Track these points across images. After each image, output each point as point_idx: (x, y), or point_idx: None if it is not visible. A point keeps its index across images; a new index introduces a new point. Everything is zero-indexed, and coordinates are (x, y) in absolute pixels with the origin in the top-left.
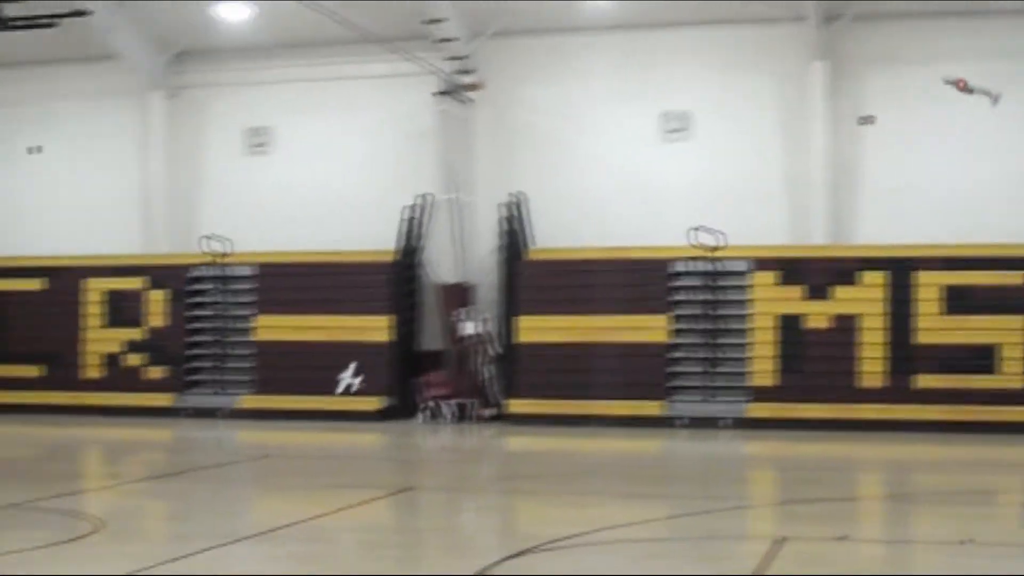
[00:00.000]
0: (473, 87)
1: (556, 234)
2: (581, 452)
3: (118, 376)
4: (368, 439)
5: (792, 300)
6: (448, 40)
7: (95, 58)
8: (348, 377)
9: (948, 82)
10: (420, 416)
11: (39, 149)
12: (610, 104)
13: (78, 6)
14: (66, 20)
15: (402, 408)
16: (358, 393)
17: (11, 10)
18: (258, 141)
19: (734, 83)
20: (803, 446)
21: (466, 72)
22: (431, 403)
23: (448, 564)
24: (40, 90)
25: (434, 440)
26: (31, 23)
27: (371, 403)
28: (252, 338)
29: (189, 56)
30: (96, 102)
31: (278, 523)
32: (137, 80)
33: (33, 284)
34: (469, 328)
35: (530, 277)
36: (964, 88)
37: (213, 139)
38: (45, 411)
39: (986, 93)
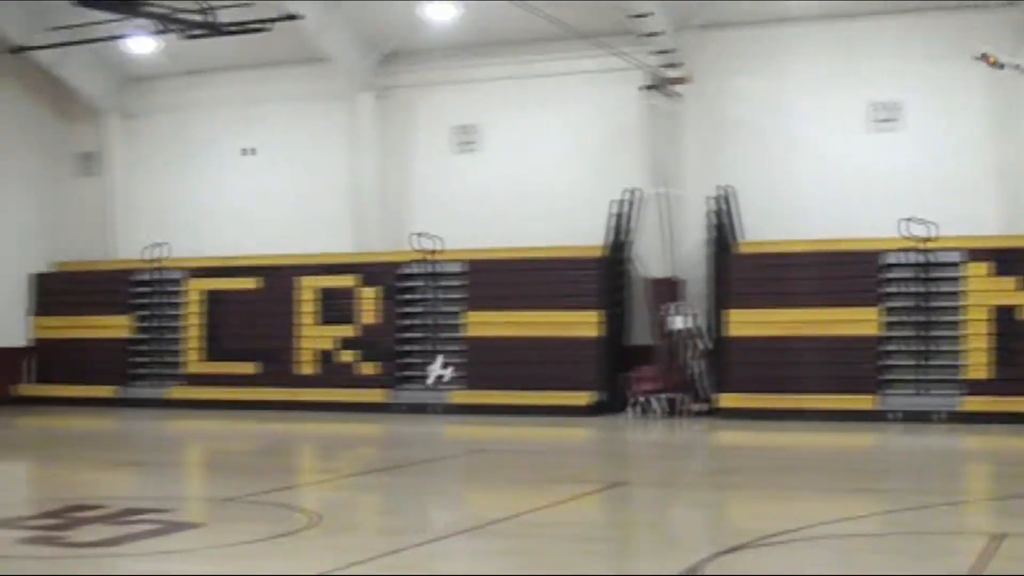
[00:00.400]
0: (680, 81)
1: (764, 227)
2: (792, 447)
3: (331, 372)
4: (578, 434)
5: (1006, 291)
6: (654, 34)
7: (306, 61)
8: (437, 368)
9: (977, 58)
10: (630, 411)
11: (253, 151)
12: (817, 94)
13: (290, 10)
14: (278, 24)
15: (612, 403)
16: (568, 388)
17: (225, 16)
18: (466, 139)
19: (943, 70)
20: (1020, 441)
21: (672, 66)
22: (641, 398)
23: (659, 559)
24: (253, 93)
25: (644, 435)
26: (244, 28)
27: (581, 398)
28: (462, 334)
29: (397, 56)
30: (307, 104)
31: (490, 518)
32: (347, 81)
33: (248, 283)
34: (678, 323)
35: (739, 270)
36: (994, 64)
37: (422, 138)
38: (260, 407)
39: (1016, 67)
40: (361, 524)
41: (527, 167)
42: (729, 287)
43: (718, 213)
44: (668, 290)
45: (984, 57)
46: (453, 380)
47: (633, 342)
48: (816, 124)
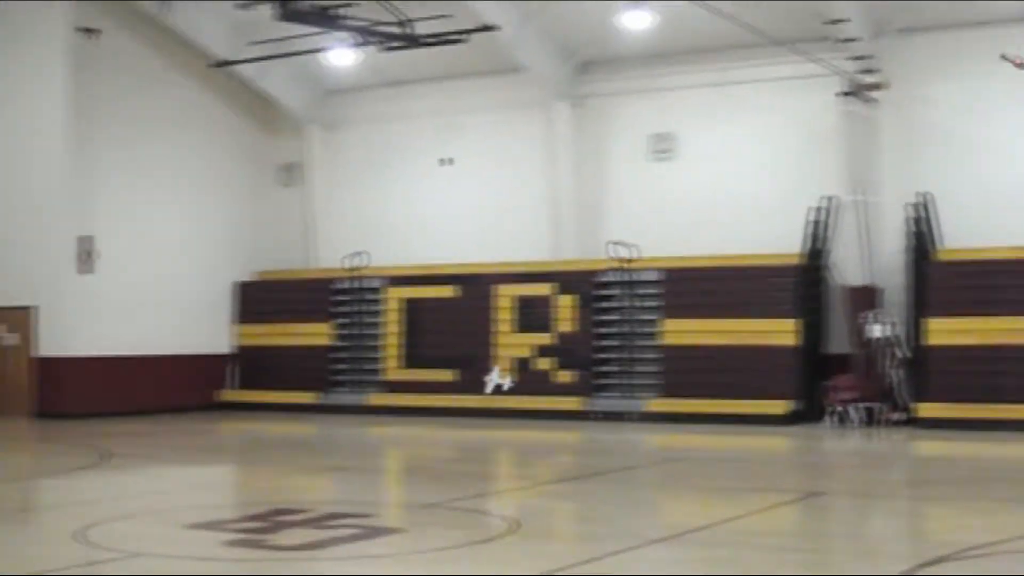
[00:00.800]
0: (877, 86)
1: (964, 233)
2: (994, 458)
3: (528, 380)
4: (775, 443)
5: None
6: (851, 40)
7: (502, 71)
8: (495, 378)
9: (1006, 58)
10: (827, 420)
11: (450, 160)
12: (1017, 98)
13: (487, 21)
14: (474, 35)
15: (809, 412)
16: (764, 396)
17: (423, 28)
18: (662, 147)
19: None
20: None
21: (870, 72)
22: (838, 407)
23: (857, 570)
24: (450, 104)
25: (841, 445)
26: (442, 40)
27: (777, 407)
28: (659, 342)
29: (593, 65)
30: (504, 113)
31: (687, 526)
32: (543, 91)
33: (446, 291)
34: (876, 331)
35: (939, 278)
36: (1021, 65)
37: (618, 146)
38: (457, 414)
39: None
40: (559, 531)
41: (723, 174)
42: (928, 295)
43: (916, 220)
44: (866, 298)
45: (1014, 59)
46: (648, 387)
47: (830, 351)
48: (1018, 128)
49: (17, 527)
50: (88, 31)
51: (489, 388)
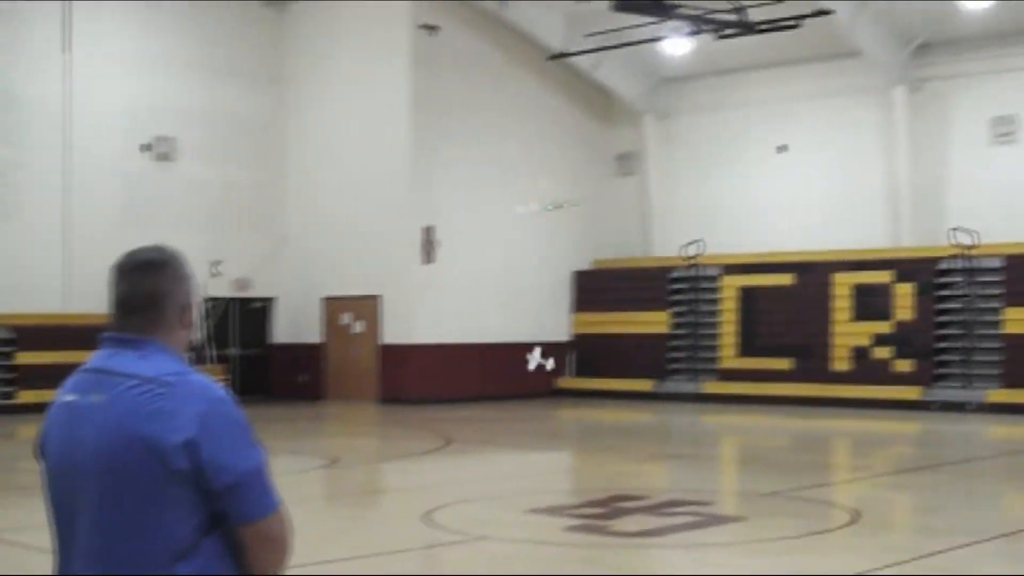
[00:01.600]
0: None
1: None
2: None
3: (866, 369)
4: None
5: None
6: None
7: (837, 56)
8: (537, 357)
9: None
10: None
11: (786, 147)
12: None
13: (822, 6)
14: (809, 20)
15: None
16: None
17: (756, 15)
18: (1004, 130)
19: None
20: None
21: None
22: None
23: None
24: (785, 90)
25: None
26: (776, 26)
27: None
28: (1001, 331)
29: (931, 48)
30: (839, 99)
31: None
32: (879, 75)
33: (783, 279)
34: None
35: None
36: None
37: (957, 130)
38: (794, 403)
39: None
40: (899, 523)
41: None
42: None
43: None
44: None
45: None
46: (990, 378)
47: None
48: None
49: (367, 509)
50: (428, 27)
51: (532, 365)
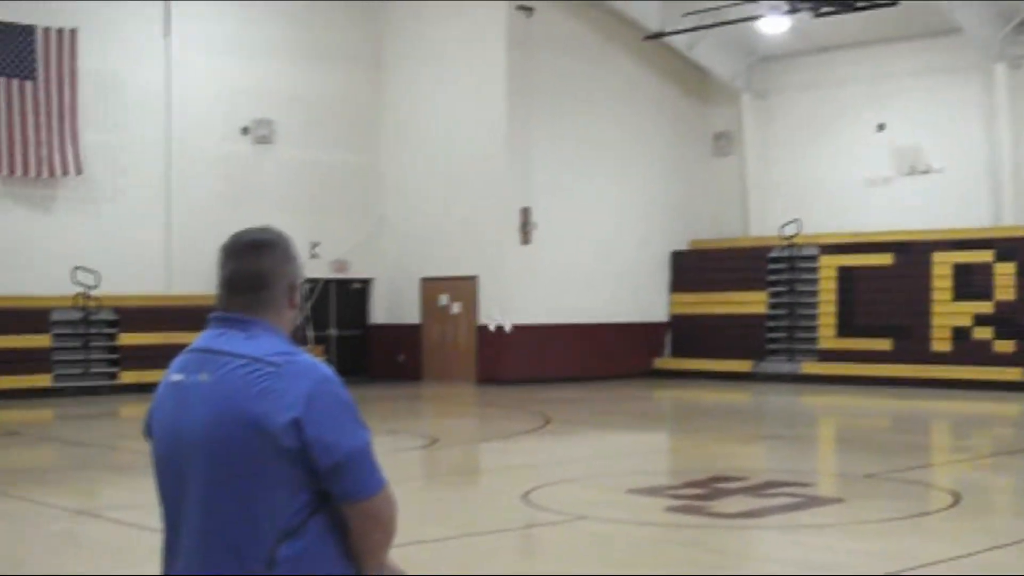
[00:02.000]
0: None
1: None
2: None
3: (966, 350)
4: None
5: None
6: None
7: (936, 33)
8: (496, 317)
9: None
10: None
11: (883, 126)
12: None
13: None
14: None
15: None
16: None
17: None
18: None
19: None
20: None
21: None
22: None
23: None
24: (883, 68)
25: None
26: (874, 3)
27: None
28: None
29: None
30: (938, 77)
31: None
32: (979, 53)
33: (881, 259)
34: None
35: None
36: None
37: None
38: (893, 383)
39: None
40: (999, 506)
41: None
42: None
43: None
44: None
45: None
46: None
47: None
48: None
49: (467, 489)
50: (524, 9)
51: (492, 326)
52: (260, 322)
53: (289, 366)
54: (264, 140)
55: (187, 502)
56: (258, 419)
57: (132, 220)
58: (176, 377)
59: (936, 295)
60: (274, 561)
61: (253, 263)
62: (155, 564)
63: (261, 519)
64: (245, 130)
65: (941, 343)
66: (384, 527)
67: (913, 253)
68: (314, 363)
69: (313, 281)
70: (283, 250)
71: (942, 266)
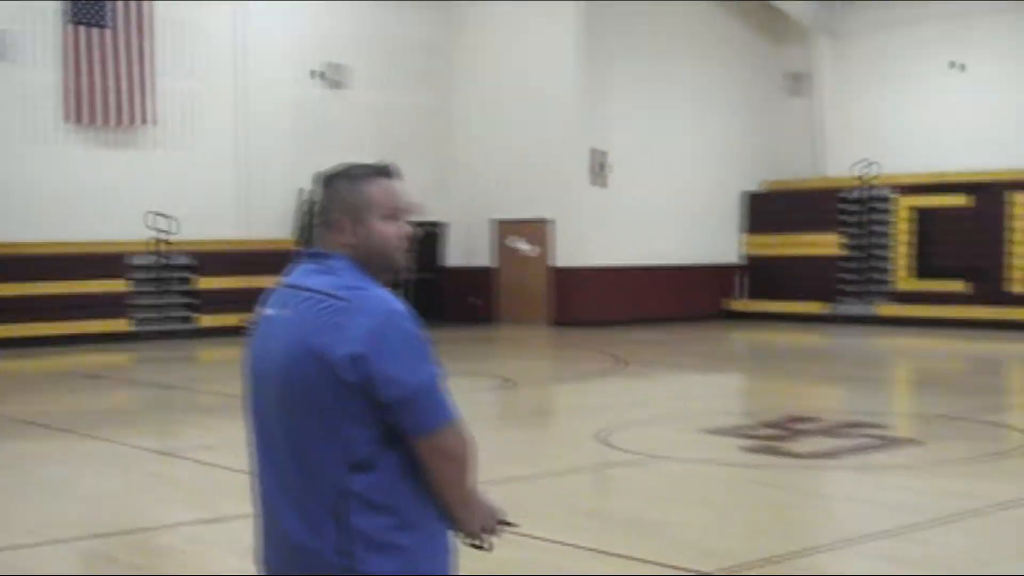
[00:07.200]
0: None
1: None
2: None
3: None
4: None
5: None
6: None
7: None
8: (519, 243)
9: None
10: None
11: (962, 66)
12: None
13: None
14: None
15: None
16: None
17: None
18: None
19: None
20: None
21: None
22: None
23: None
24: (960, 7)
25: None
26: None
27: None
28: None
29: None
30: (1018, 14)
31: None
32: None
33: (958, 200)
34: None
35: None
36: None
37: None
38: (969, 325)
39: None
40: None
41: None
42: None
43: None
44: None
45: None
46: None
47: None
48: None
49: (542, 429)
50: None
51: (519, 249)
52: (339, 256)
53: (356, 300)
54: (336, 84)
55: (269, 434)
56: (322, 352)
57: (206, 165)
58: (268, 311)
59: (1013, 236)
60: (348, 492)
61: (320, 195)
62: (239, 503)
63: (333, 451)
64: (317, 74)
65: (1018, 284)
66: (456, 462)
67: (990, 194)
68: (383, 298)
69: None
70: (351, 179)
71: (1020, 207)
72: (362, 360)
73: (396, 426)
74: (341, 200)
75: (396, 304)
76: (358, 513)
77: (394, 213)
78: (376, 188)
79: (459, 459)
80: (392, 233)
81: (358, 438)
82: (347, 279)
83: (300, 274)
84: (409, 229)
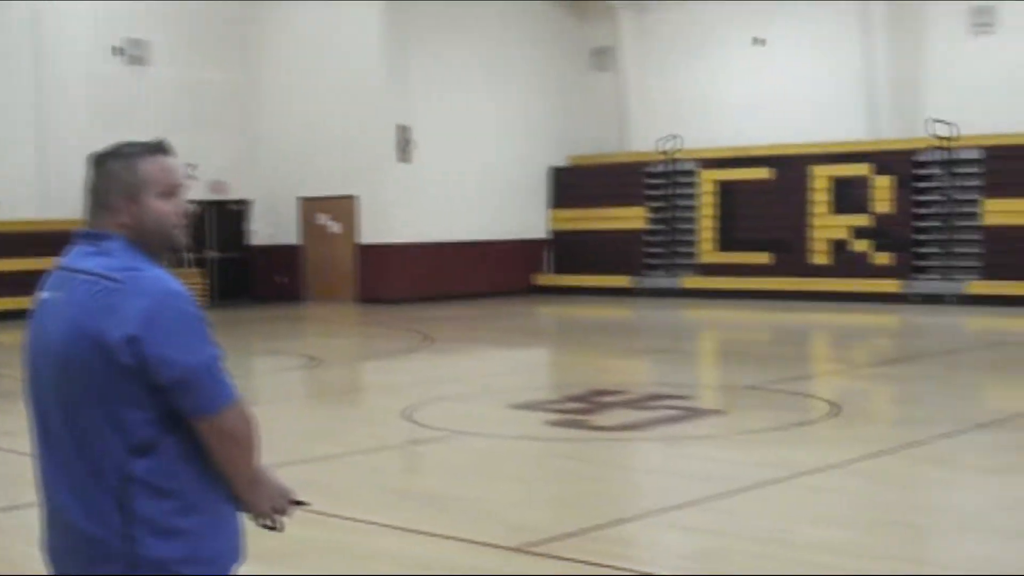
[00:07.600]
0: None
1: None
2: None
3: (844, 262)
4: None
5: None
6: None
7: None
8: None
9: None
10: None
11: (763, 41)
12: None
13: None
14: None
15: None
16: None
17: None
18: (982, 20)
19: None
20: None
21: None
22: None
23: None
24: None
25: None
26: None
27: None
28: (980, 223)
29: None
30: None
31: (1012, 411)
32: None
33: (760, 173)
34: None
35: None
36: None
37: (935, 20)
38: (772, 297)
39: None
40: (878, 414)
41: None
42: None
43: None
44: None
45: None
46: (968, 270)
47: None
48: None
49: (348, 408)
50: None
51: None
52: (115, 236)
53: (131, 282)
54: (137, 60)
55: (49, 419)
56: (97, 335)
57: (3, 145)
58: (44, 295)
59: (815, 208)
60: (130, 477)
61: (93, 175)
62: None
63: (113, 435)
64: (118, 50)
65: (820, 256)
66: (238, 444)
67: (792, 167)
68: (158, 278)
69: (191, 203)
70: (125, 157)
71: (820, 180)
72: (137, 342)
73: (177, 409)
74: (115, 179)
75: (173, 284)
76: (140, 498)
77: (171, 190)
78: (151, 165)
79: (242, 440)
80: (170, 211)
81: (137, 421)
82: (122, 260)
83: (76, 256)
84: (188, 206)
